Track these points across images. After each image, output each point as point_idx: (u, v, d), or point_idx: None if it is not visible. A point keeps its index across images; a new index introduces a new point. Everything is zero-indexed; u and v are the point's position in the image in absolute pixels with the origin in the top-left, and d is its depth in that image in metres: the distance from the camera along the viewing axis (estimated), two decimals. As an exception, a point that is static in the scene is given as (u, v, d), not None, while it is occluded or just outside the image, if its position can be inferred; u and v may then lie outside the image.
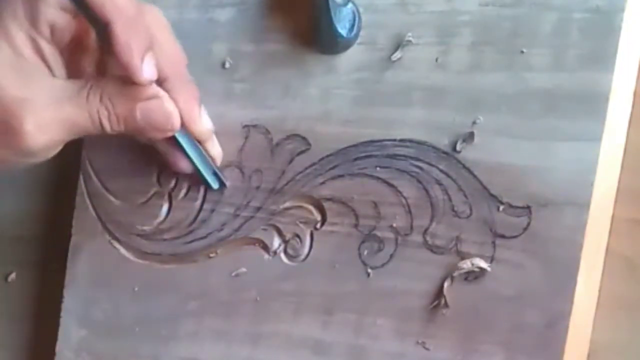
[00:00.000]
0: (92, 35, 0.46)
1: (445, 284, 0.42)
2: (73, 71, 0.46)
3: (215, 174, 0.48)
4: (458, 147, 0.43)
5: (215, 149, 0.49)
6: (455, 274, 0.42)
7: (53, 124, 0.43)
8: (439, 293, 0.43)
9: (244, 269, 0.48)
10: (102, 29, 0.42)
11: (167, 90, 0.45)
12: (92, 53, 0.47)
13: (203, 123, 0.47)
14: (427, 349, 0.43)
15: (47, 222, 0.59)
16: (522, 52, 0.42)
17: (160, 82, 0.45)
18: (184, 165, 0.48)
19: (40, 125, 0.42)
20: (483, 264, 0.42)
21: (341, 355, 0.45)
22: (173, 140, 0.47)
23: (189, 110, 0.46)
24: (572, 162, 0.40)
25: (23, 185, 0.60)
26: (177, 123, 0.45)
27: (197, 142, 0.47)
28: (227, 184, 0.49)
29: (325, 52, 0.47)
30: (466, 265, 0.42)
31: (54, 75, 0.45)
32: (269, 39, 0.49)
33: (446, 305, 0.42)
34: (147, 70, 0.42)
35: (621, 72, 0.41)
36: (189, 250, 0.50)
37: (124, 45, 0.41)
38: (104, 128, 0.44)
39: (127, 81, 0.43)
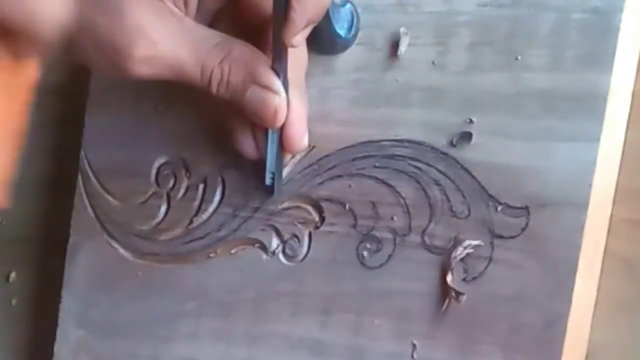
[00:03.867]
0: None
1: (449, 279, 0.42)
2: (203, 13, 0.45)
3: (273, 178, 0.46)
4: (454, 142, 0.43)
5: (289, 162, 0.47)
6: (453, 264, 0.42)
7: (162, 61, 0.41)
8: (445, 291, 0.43)
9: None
10: None
11: None
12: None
13: (303, 141, 0.45)
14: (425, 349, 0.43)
15: (47, 222, 0.59)
16: (517, 58, 0.42)
17: None
18: (248, 150, 0.46)
19: (150, 57, 0.41)
20: (475, 242, 0.42)
21: (339, 355, 0.45)
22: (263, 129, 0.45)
23: (295, 122, 0.44)
24: (571, 163, 0.40)
25: (23, 185, 0.60)
26: (278, 125, 0.43)
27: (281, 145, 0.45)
28: (275, 192, 0.47)
29: (323, 53, 0.47)
30: (459, 251, 0.42)
31: (187, 12, 0.43)
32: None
33: (458, 295, 0.42)
34: (299, 39, 0.41)
35: (620, 72, 0.40)
36: (188, 251, 0.50)
37: (304, 2, 0.40)
38: (210, 87, 0.42)
39: (256, 56, 0.42)
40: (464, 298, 0.42)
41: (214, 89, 0.42)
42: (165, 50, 0.41)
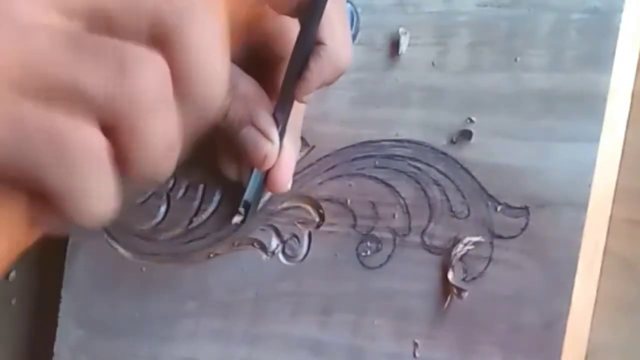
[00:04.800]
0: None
1: (450, 276, 0.42)
2: None
3: (247, 209, 0.47)
4: (454, 139, 0.43)
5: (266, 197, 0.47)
6: (454, 262, 0.42)
7: None
8: (445, 291, 0.43)
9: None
10: (309, 43, 0.39)
11: None
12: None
13: (287, 186, 0.44)
14: (424, 349, 0.43)
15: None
16: (517, 59, 0.42)
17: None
18: (230, 173, 0.47)
19: None
20: (475, 238, 0.42)
21: (339, 355, 0.45)
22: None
23: (284, 167, 0.43)
24: (570, 163, 0.40)
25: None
26: (265, 169, 0.43)
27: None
28: (245, 221, 0.48)
29: (323, 53, 0.47)
30: (459, 249, 0.42)
31: None
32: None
33: (460, 291, 0.42)
34: (310, 97, 0.41)
35: (619, 72, 0.41)
36: (187, 251, 0.50)
37: (322, 65, 0.39)
38: None
39: (259, 98, 0.42)
40: (465, 294, 0.42)
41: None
42: None
